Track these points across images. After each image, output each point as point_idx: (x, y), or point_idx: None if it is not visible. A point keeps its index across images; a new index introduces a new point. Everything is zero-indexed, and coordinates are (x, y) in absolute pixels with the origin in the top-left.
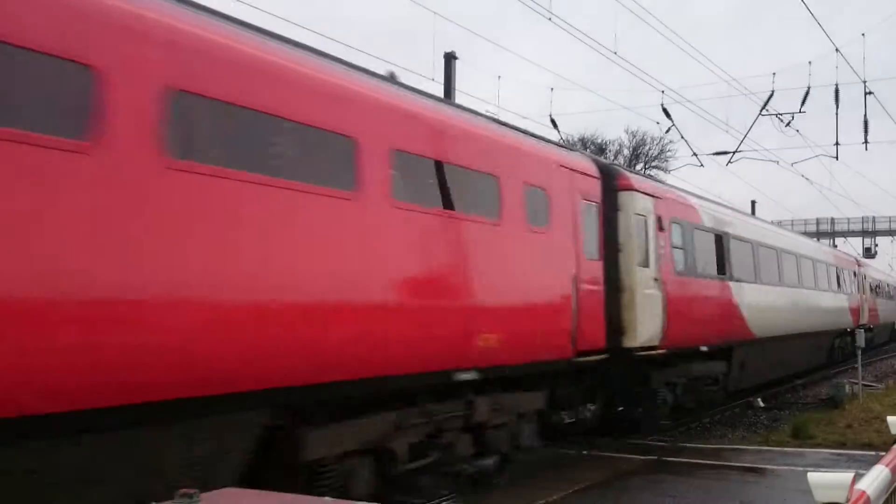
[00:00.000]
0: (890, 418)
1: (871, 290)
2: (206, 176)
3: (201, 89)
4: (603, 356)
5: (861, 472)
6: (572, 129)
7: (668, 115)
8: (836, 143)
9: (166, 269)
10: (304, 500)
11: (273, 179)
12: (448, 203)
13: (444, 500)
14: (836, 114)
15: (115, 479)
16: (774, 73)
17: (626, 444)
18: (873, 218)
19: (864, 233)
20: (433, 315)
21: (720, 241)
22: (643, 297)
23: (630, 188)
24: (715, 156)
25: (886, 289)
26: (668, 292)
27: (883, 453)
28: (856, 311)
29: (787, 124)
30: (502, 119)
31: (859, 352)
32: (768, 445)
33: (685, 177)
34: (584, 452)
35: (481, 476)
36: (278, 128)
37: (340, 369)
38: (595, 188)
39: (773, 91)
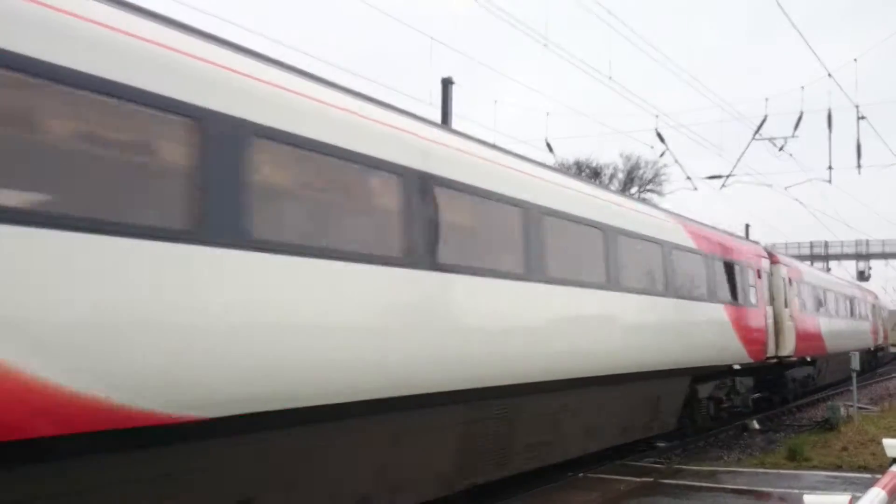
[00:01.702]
0: (886, 441)
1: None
2: None
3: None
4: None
5: (857, 494)
6: (567, 153)
7: (661, 139)
8: (830, 167)
9: None
10: None
11: None
12: None
13: None
14: (829, 138)
15: None
16: (767, 98)
17: (621, 466)
18: (866, 241)
19: (857, 256)
20: None
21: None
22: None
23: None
24: (709, 179)
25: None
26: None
27: (879, 476)
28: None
29: (781, 148)
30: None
31: (854, 375)
32: (764, 468)
33: (679, 201)
34: (580, 475)
35: None
36: None
37: None
38: None
39: (766, 115)
